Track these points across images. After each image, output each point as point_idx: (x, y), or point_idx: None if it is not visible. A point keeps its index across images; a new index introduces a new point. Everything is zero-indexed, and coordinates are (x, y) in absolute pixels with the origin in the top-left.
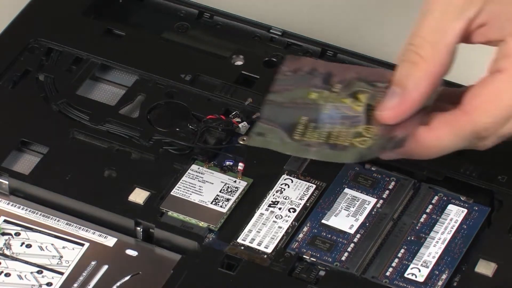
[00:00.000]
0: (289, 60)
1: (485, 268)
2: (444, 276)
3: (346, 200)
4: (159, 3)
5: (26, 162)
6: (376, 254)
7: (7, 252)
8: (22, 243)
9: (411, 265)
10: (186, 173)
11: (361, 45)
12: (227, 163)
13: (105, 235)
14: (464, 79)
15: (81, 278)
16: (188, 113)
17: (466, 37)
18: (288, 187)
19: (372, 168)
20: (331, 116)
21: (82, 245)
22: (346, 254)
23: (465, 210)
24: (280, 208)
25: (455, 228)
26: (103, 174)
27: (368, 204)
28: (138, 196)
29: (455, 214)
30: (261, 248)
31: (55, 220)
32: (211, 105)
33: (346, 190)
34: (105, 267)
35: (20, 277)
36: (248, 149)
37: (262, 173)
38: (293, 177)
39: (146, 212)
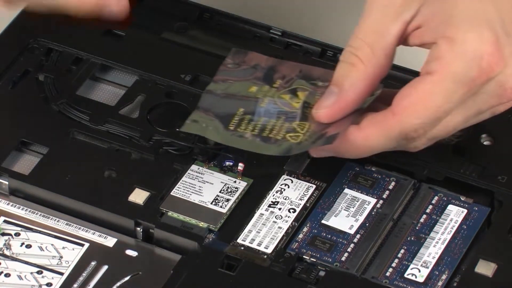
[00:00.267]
0: (234, 53)
1: (485, 268)
2: (444, 277)
3: (346, 200)
4: (159, 3)
5: (26, 162)
6: (376, 254)
7: (7, 252)
8: (22, 244)
9: (411, 266)
10: (186, 173)
11: None
12: (227, 163)
13: (105, 235)
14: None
15: (81, 278)
16: (188, 113)
17: (404, 39)
18: (288, 187)
19: (372, 168)
20: (268, 110)
21: (82, 245)
22: (346, 254)
23: (465, 211)
24: (280, 209)
25: (455, 228)
26: (103, 174)
27: (368, 205)
28: (138, 196)
29: (455, 215)
30: (261, 248)
31: (55, 220)
32: None
33: (346, 190)
34: (105, 267)
35: (20, 277)
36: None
37: (262, 173)
38: (293, 177)
39: (146, 212)
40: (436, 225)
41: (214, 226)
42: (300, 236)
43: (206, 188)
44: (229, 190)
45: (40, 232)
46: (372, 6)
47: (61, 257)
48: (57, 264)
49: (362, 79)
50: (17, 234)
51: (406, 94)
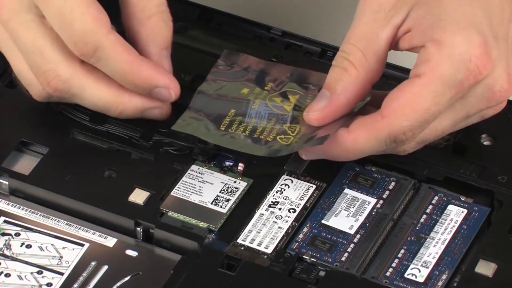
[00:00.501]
0: (226, 55)
1: (485, 268)
2: (444, 277)
3: (346, 200)
4: None
5: (26, 162)
6: (376, 254)
7: (7, 252)
8: (22, 244)
9: (411, 266)
10: (186, 173)
11: None
12: (227, 163)
13: (105, 235)
14: None
15: (81, 278)
16: None
17: (395, 44)
18: (288, 187)
19: (372, 168)
20: (259, 112)
21: (82, 245)
22: (346, 254)
23: (465, 211)
24: (280, 209)
25: (455, 228)
26: (103, 174)
27: (368, 205)
28: (138, 196)
29: (455, 215)
30: (261, 248)
31: (55, 220)
32: None
33: (346, 190)
34: (105, 267)
35: (20, 277)
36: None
37: (262, 173)
38: (293, 177)
39: (146, 212)
40: (436, 225)
41: (214, 226)
42: (300, 236)
43: (206, 188)
44: (229, 190)
45: (40, 232)
46: (363, 11)
47: (61, 257)
48: (57, 264)
49: (354, 83)
50: (17, 234)
51: (395, 97)
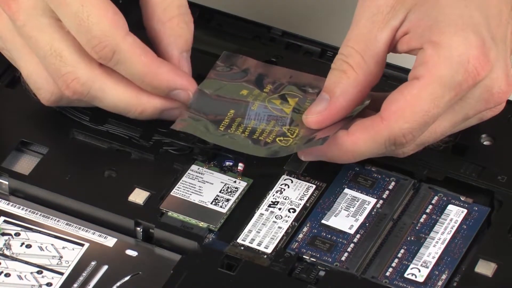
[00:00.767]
0: (225, 57)
1: (485, 268)
2: (444, 276)
3: (346, 200)
4: None
5: (26, 162)
6: (376, 254)
7: (7, 252)
8: (22, 243)
9: (411, 265)
10: (186, 173)
11: None
12: (227, 163)
13: (105, 235)
14: None
15: (81, 278)
16: None
17: (393, 46)
18: (288, 187)
19: (372, 168)
20: (258, 114)
21: (82, 245)
22: (346, 254)
23: (465, 210)
24: (280, 208)
25: (455, 228)
26: (103, 174)
27: (368, 204)
28: (138, 196)
29: (455, 214)
30: (261, 248)
31: (55, 220)
32: None
33: (346, 190)
34: (105, 267)
35: (20, 277)
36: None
37: (262, 173)
38: (293, 177)
39: (146, 212)
40: (436, 225)
41: (214, 226)
42: (300, 236)
43: (206, 188)
44: (229, 190)
45: (40, 232)
46: (361, 13)
47: (61, 257)
48: (57, 264)
49: (353, 86)
50: (17, 234)
51: (394, 99)
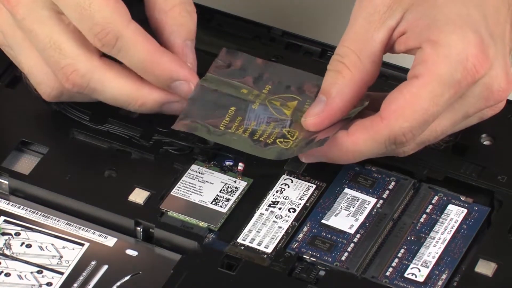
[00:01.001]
0: (224, 53)
1: (485, 268)
2: (444, 276)
3: (346, 200)
4: None
5: (26, 162)
6: (376, 254)
7: (7, 252)
8: (22, 243)
9: (411, 265)
10: (186, 173)
11: None
12: (227, 163)
13: (105, 235)
14: None
15: (81, 278)
16: None
17: (390, 47)
18: (288, 187)
19: (372, 168)
20: (258, 115)
21: (82, 245)
22: (346, 254)
23: (465, 210)
24: (280, 208)
25: (455, 228)
26: (103, 174)
27: (368, 204)
28: (138, 196)
29: (455, 214)
30: (261, 248)
31: (55, 220)
32: None
33: (346, 190)
34: (105, 267)
35: (20, 277)
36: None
37: (262, 173)
38: (293, 177)
39: (146, 212)
40: (436, 225)
41: (214, 226)
42: (300, 235)
43: (206, 188)
44: (229, 190)
45: (40, 231)
46: (358, 14)
47: (61, 256)
48: (57, 263)
49: (349, 85)
50: (17, 234)
51: (393, 98)
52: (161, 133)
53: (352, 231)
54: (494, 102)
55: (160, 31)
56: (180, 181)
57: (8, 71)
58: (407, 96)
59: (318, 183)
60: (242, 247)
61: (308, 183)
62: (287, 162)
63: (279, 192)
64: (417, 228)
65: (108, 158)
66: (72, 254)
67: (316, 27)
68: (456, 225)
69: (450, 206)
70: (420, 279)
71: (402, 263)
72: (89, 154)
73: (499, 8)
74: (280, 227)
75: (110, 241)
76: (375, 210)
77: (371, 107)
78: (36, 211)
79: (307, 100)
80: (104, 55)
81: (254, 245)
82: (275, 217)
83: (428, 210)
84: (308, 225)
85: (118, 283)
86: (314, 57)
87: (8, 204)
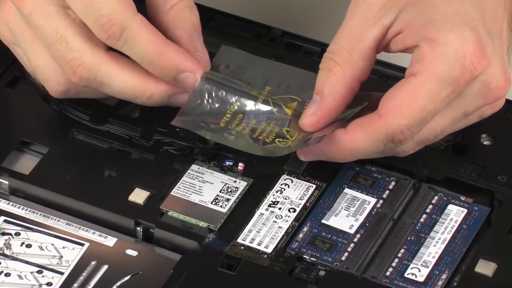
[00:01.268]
0: (223, 52)
1: (485, 268)
2: (444, 276)
3: (346, 200)
4: None
5: (26, 162)
6: (376, 254)
7: (7, 252)
8: (22, 243)
9: (411, 265)
10: (186, 173)
11: None
12: (227, 163)
13: (105, 235)
14: None
15: (81, 278)
16: None
17: (385, 46)
18: (288, 187)
19: (372, 168)
20: (258, 115)
21: (82, 245)
22: (346, 254)
23: (465, 210)
24: (280, 208)
25: (455, 228)
26: (103, 174)
27: (368, 204)
28: (138, 196)
29: (455, 214)
30: (261, 248)
31: (55, 220)
32: None
33: (346, 190)
34: (105, 267)
35: (20, 277)
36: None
37: (262, 173)
38: (293, 177)
39: (146, 212)
40: (436, 225)
41: (214, 225)
42: (300, 235)
43: (206, 188)
44: (229, 190)
45: (40, 231)
46: (352, 13)
47: (61, 256)
48: (57, 263)
49: (340, 82)
50: (17, 234)
51: (391, 96)
52: (161, 133)
53: (352, 231)
54: (493, 99)
55: (164, 29)
56: (180, 181)
57: (8, 71)
58: (404, 94)
59: (318, 183)
60: (242, 247)
61: (308, 183)
62: (287, 162)
63: (279, 192)
64: (417, 228)
65: (108, 158)
66: (72, 254)
67: (316, 27)
68: (456, 225)
69: (450, 206)
70: (420, 279)
71: (402, 263)
72: (89, 154)
73: (496, 6)
74: (280, 227)
75: (110, 241)
76: (375, 210)
77: (369, 106)
78: (36, 211)
79: (307, 100)
80: (110, 49)
81: (254, 245)
82: (275, 217)
83: (428, 210)
84: (308, 225)
85: (118, 283)
86: (314, 57)
87: (8, 204)
